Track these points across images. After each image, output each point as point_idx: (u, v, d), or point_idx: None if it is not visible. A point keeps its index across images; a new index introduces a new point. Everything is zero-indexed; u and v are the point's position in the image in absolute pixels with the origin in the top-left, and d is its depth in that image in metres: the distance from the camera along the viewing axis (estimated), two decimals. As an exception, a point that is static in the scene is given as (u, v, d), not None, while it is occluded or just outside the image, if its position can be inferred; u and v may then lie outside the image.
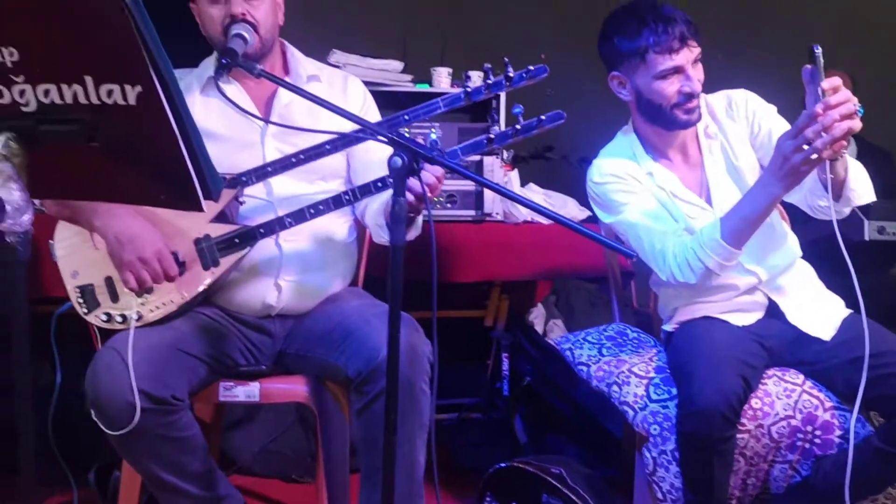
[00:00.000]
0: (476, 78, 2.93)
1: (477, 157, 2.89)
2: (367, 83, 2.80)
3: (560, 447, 2.86)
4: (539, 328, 3.83)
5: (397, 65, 2.91)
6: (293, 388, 1.92)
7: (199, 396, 1.85)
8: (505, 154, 3.02)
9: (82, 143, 1.20)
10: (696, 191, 2.00)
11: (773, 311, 1.96)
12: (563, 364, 2.29)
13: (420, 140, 2.92)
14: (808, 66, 1.59)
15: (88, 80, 1.15)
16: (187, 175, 1.21)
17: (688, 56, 1.87)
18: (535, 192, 3.02)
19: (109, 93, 1.15)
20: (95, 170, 1.26)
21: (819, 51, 1.59)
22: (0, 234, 1.22)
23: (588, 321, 4.11)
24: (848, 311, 1.96)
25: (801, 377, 1.89)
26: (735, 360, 1.76)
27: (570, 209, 3.02)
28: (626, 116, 2.09)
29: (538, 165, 3.58)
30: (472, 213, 2.88)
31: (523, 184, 3.04)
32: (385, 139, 1.51)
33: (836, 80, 1.59)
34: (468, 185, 2.88)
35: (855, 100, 1.59)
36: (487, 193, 2.89)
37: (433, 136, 2.92)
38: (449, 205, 2.83)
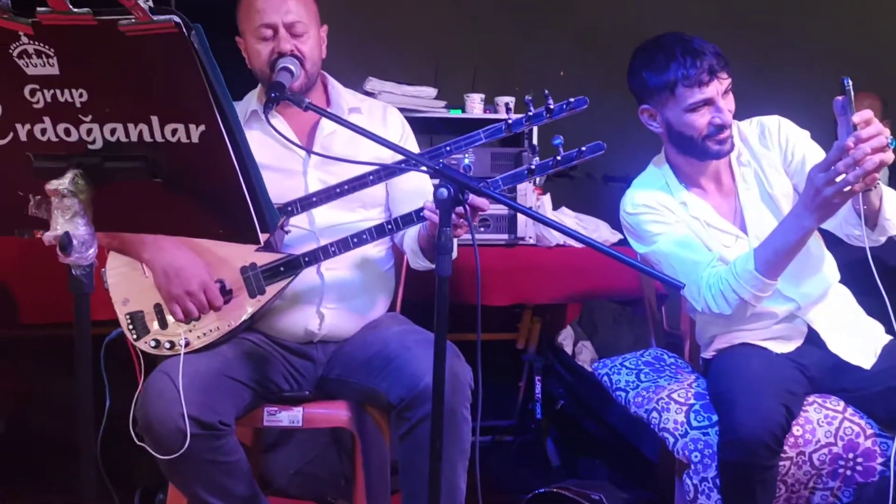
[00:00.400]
0: (504, 103, 3.02)
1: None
2: (401, 109, 2.86)
3: (593, 470, 2.87)
4: (568, 349, 3.84)
5: (431, 91, 2.96)
6: (335, 413, 1.95)
7: (243, 421, 1.88)
8: (537, 179, 3.05)
9: (145, 178, 1.25)
10: (730, 219, 2.01)
11: (812, 338, 1.96)
12: (597, 388, 2.31)
13: (453, 164, 2.97)
14: (839, 98, 1.60)
15: (154, 119, 1.20)
16: (246, 209, 1.25)
17: (717, 88, 1.87)
18: (567, 216, 3.05)
19: (174, 131, 1.20)
20: (157, 204, 1.30)
21: (849, 83, 1.59)
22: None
23: (613, 339, 4.11)
24: (888, 338, 1.96)
25: (842, 404, 1.89)
26: (777, 387, 1.76)
27: (602, 232, 3.04)
28: (650, 134, 2.10)
29: (568, 188, 3.61)
30: (506, 237, 2.91)
31: (555, 207, 3.07)
32: (431, 170, 1.55)
33: (868, 113, 1.59)
34: (501, 210, 2.92)
35: (887, 132, 1.59)
36: (520, 217, 2.93)
37: (466, 162, 2.98)
38: (482, 229, 2.86)
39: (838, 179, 1.61)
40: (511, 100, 3.04)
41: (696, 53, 1.85)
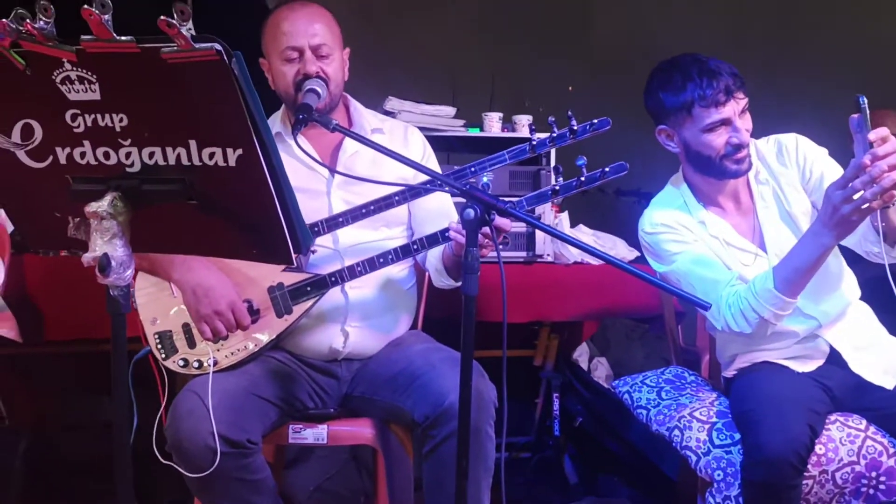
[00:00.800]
0: (524, 122, 3.05)
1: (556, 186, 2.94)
2: (420, 128, 2.90)
3: (612, 488, 2.87)
4: (584, 365, 3.85)
5: (449, 110, 2.98)
6: (359, 431, 1.97)
7: (269, 438, 1.90)
8: (558, 179, 3.06)
9: (182, 200, 1.28)
10: (749, 237, 2.02)
11: (834, 358, 1.96)
12: (616, 406, 2.31)
13: (472, 182, 2.99)
14: (855, 116, 1.61)
15: (192, 143, 1.22)
16: (280, 230, 1.28)
17: (734, 108, 1.88)
18: (584, 234, 3.06)
19: (211, 155, 1.23)
20: (192, 225, 1.33)
21: (864, 101, 1.60)
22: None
23: (626, 356, 4.12)
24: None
25: (864, 422, 1.89)
26: (801, 406, 1.77)
27: (619, 250, 3.06)
28: (661, 149, 2.11)
29: (581, 204, 3.63)
30: (524, 254, 2.92)
31: (573, 225, 3.08)
32: (458, 191, 1.57)
33: (884, 131, 1.60)
34: (519, 227, 2.93)
35: None
36: (538, 235, 2.94)
37: (485, 180, 3.00)
38: (501, 246, 2.87)
39: (856, 197, 1.61)
40: (529, 118, 3.07)
41: (712, 74, 1.86)
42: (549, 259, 2.95)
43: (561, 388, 3.09)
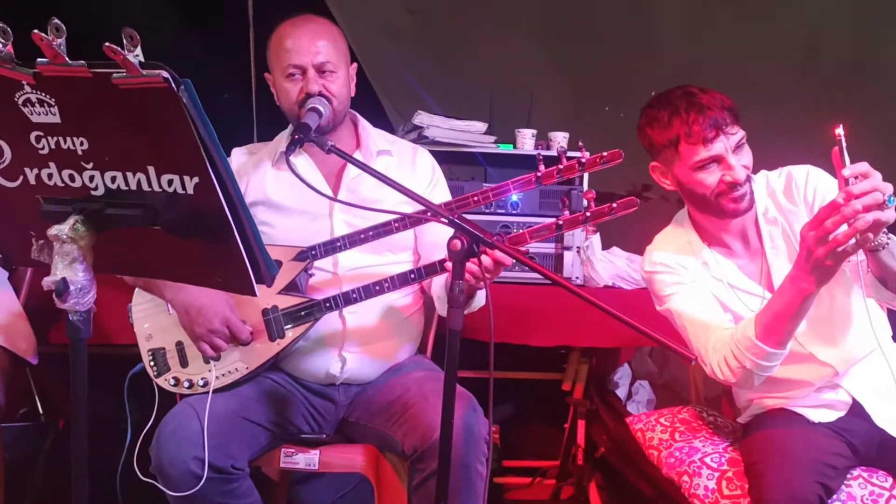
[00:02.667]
0: (559, 139, 2.96)
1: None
2: (449, 144, 2.86)
3: (635, 524, 2.75)
4: (623, 390, 3.72)
5: (480, 126, 2.92)
6: (351, 458, 1.92)
7: (259, 462, 1.87)
8: (564, 212, 2.96)
9: (145, 225, 1.25)
10: (756, 280, 1.87)
11: (857, 409, 1.81)
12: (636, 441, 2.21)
13: (502, 200, 2.92)
14: (836, 149, 1.46)
15: (151, 169, 1.20)
16: (240, 260, 1.24)
17: (725, 144, 1.73)
18: (617, 257, 2.95)
19: (170, 182, 1.20)
20: (158, 251, 1.31)
21: (841, 132, 1.45)
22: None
23: (683, 373, 3.97)
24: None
25: (891, 480, 1.75)
26: (813, 461, 1.64)
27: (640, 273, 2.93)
28: None
29: (624, 228, 3.52)
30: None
31: (605, 247, 2.97)
32: (446, 221, 1.50)
33: (862, 166, 1.44)
34: (548, 248, 2.85)
35: (887, 187, 1.43)
36: (567, 256, 2.85)
37: (514, 199, 2.94)
38: (528, 267, 2.80)
39: (829, 238, 1.46)
40: (565, 136, 2.98)
41: (700, 108, 1.72)
42: (579, 282, 2.86)
43: (587, 415, 2.99)
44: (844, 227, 1.44)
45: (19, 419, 3.03)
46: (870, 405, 1.79)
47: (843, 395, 1.83)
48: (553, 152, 2.96)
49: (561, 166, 1.74)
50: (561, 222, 1.71)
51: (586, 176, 2.84)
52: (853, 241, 1.45)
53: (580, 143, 1.76)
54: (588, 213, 1.68)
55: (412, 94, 3.72)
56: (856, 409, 1.81)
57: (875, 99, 3.69)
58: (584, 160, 1.72)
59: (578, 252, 2.85)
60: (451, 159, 2.92)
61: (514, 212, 2.85)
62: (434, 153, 2.86)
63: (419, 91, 3.53)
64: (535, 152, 2.95)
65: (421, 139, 2.85)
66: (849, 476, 1.74)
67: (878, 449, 1.78)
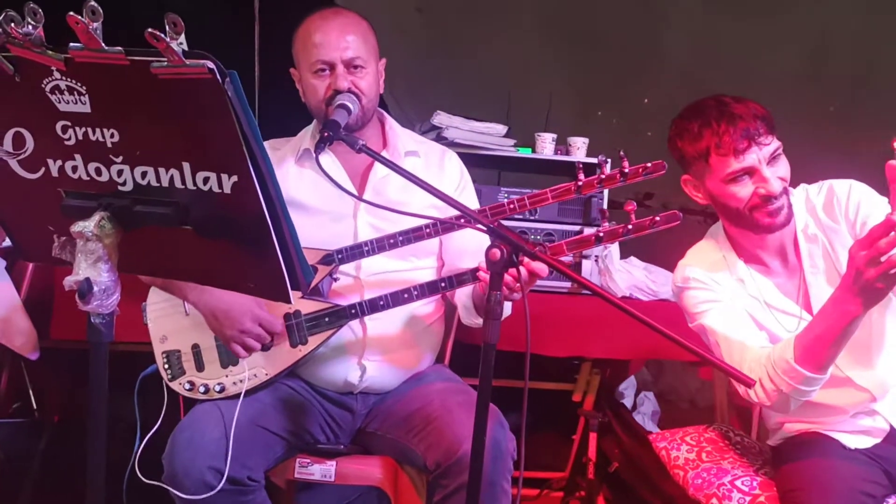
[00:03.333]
0: (578, 144, 2.89)
1: (576, 228, 2.79)
2: (469, 146, 2.78)
3: (645, 541, 2.69)
4: (629, 400, 3.67)
5: (500, 128, 2.85)
6: (368, 471, 1.85)
7: (274, 472, 1.80)
8: (603, 224, 2.90)
9: (175, 225, 1.18)
10: (794, 299, 1.80)
11: (894, 437, 1.75)
12: (656, 457, 2.15)
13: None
14: (892, 162, 1.37)
15: (186, 166, 1.13)
16: (277, 266, 1.17)
17: (759, 155, 1.66)
18: (635, 267, 2.88)
19: (206, 180, 1.13)
20: (186, 252, 1.23)
21: None
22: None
23: (676, 381, 3.92)
24: None
25: (929, 510, 1.69)
26: (852, 490, 1.57)
27: (671, 287, 2.87)
28: None
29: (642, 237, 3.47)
30: (567, 284, 2.77)
31: (623, 256, 2.91)
32: (485, 229, 1.43)
33: None
34: (566, 256, 2.78)
35: None
36: (584, 265, 2.79)
37: (533, 204, 2.87)
38: (569, 278, 2.73)
39: (883, 259, 1.38)
40: (585, 140, 2.92)
41: (731, 118, 1.64)
42: (596, 291, 2.79)
43: (599, 428, 2.92)
44: None
45: (11, 415, 2.95)
46: (908, 434, 1.73)
47: (880, 422, 1.76)
48: (573, 158, 2.90)
49: (602, 176, 1.67)
50: (601, 234, 1.64)
51: (605, 196, 2.79)
52: None
53: (621, 153, 1.68)
54: (630, 226, 1.61)
55: (417, 93, 3.65)
56: (892, 437, 1.75)
57: (880, 107, 3.66)
58: (626, 170, 1.65)
59: (596, 261, 2.79)
60: (465, 161, 2.85)
61: (532, 218, 2.78)
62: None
63: (428, 91, 3.47)
64: (555, 157, 2.89)
65: (439, 140, 2.78)
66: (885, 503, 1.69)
67: (916, 478, 1.72)
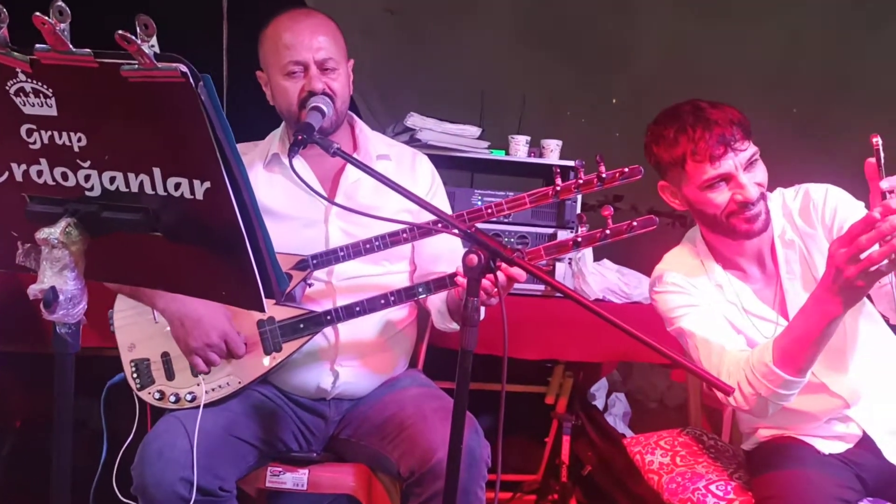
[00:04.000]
0: (552, 147, 2.89)
1: (550, 230, 2.79)
2: (442, 148, 2.76)
3: (618, 544, 2.69)
4: (600, 401, 3.68)
5: (474, 130, 2.83)
6: (341, 478, 1.83)
7: (245, 481, 1.76)
8: (580, 228, 2.90)
9: (145, 231, 1.14)
10: (771, 305, 1.80)
11: (866, 443, 1.75)
12: (629, 462, 2.15)
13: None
14: (871, 160, 1.36)
15: (157, 171, 1.10)
16: (251, 274, 1.14)
17: (735, 161, 1.65)
18: (608, 269, 2.88)
19: (177, 185, 1.10)
20: (156, 259, 1.20)
21: (879, 142, 1.36)
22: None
23: (644, 382, 3.94)
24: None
25: (900, 512, 1.71)
26: (829, 497, 1.58)
27: (643, 289, 2.87)
28: None
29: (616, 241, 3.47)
30: (541, 287, 2.76)
31: (597, 259, 2.91)
32: (461, 234, 1.41)
33: None
34: (553, 257, 2.78)
35: None
36: (558, 268, 2.79)
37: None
38: (548, 284, 2.72)
39: (862, 256, 1.37)
40: (558, 143, 2.91)
41: (707, 124, 1.63)
42: (569, 294, 2.79)
43: (572, 431, 2.92)
44: (878, 245, 1.34)
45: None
46: (879, 439, 1.73)
47: (853, 429, 1.76)
48: (547, 160, 2.89)
49: (580, 181, 1.66)
50: (579, 240, 1.63)
51: (579, 201, 2.79)
52: (888, 260, 1.35)
53: (598, 157, 1.67)
54: (608, 231, 1.60)
55: (389, 96, 3.63)
56: (865, 443, 1.75)
57: (848, 114, 3.71)
58: (604, 175, 1.64)
59: (570, 264, 2.79)
60: (438, 164, 2.83)
61: (505, 221, 2.77)
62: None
63: (399, 93, 3.45)
64: (528, 160, 2.88)
65: (412, 141, 2.76)
66: (858, 508, 1.70)
67: (886, 482, 1.73)
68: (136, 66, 0.98)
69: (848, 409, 1.76)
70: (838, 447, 1.76)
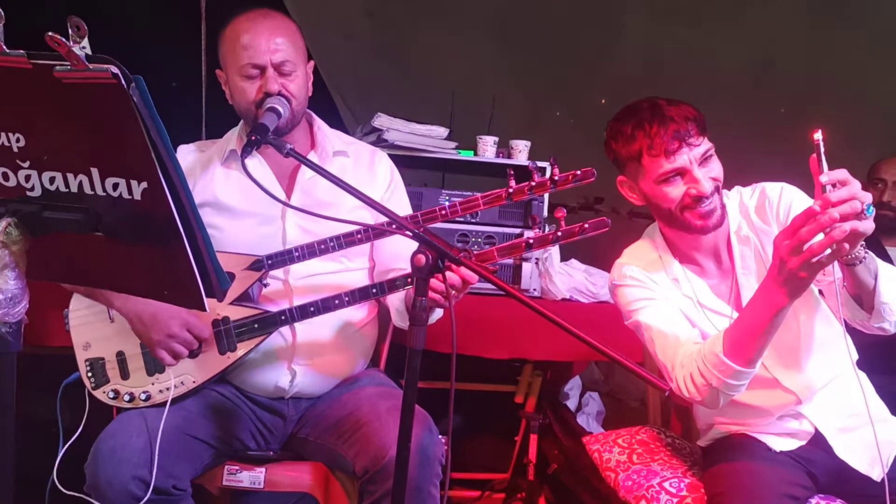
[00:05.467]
0: (520, 147, 2.90)
1: (517, 230, 2.80)
2: (409, 149, 2.78)
3: (585, 542, 2.71)
4: (574, 401, 3.70)
5: (442, 131, 2.84)
6: (298, 477, 1.84)
7: (201, 479, 1.77)
8: (546, 228, 2.92)
9: (86, 231, 1.15)
10: (726, 300, 1.83)
11: (818, 440, 1.78)
12: (591, 460, 2.17)
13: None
14: (814, 156, 1.40)
15: (95, 171, 1.10)
16: (190, 273, 1.15)
17: (689, 156, 1.68)
18: (575, 269, 2.91)
19: (115, 185, 1.10)
20: (99, 258, 1.21)
21: (820, 137, 1.39)
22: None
23: (625, 380, 3.96)
24: (904, 441, 1.79)
25: (848, 509, 1.73)
26: (778, 494, 1.60)
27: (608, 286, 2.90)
28: None
29: (583, 240, 3.48)
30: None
31: (564, 259, 2.93)
32: (411, 235, 1.43)
33: (841, 173, 1.39)
34: (507, 259, 2.79)
35: (866, 196, 1.38)
36: (525, 267, 2.80)
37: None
38: (495, 285, 2.73)
39: (805, 248, 1.40)
40: (527, 144, 2.93)
41: (663, 120, 1.67)
42: (536, 294, 2.81)
43: (540, 429, 2.93)
44: (820, 237, 1.38)
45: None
46: (831, 436, 1.76)
47: (805, 425, 1.79)
48: (515, 161, 2.91)
49: (533, 183, 1.68)
50: (531, 241, 1.65)
51: (546, 205, 2.81)
52: (829, 251, 1.39)
53: (552, 159, 1.70)
54: (559, 233, 1.62)
55: (367, 96, 3.64)
56: (816, 439, 1.78)
57: (823, 112, 3.74)
58: (556, 178, 1.66)
59: (537, 264, 2.80)
60: (409, 164, 2.85)
61: (472, 220, 2.79)
62: (392, 157, 2.79)
63: (377, 93, 3.46)
64: (496, 160, 2.90)
65: (380, 142, 2.77)
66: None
67: (837, 480, 1.76)
68: (69, 67, 0.99)
69: (800, 405, 1.78)
70: (791, 444, 1.79)
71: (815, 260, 1.41)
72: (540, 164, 2.82)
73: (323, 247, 1.75)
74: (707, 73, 3.78)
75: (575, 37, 3.87)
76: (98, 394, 1.74)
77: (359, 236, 1.75)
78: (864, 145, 3.45)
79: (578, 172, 1.67)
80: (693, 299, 1.81)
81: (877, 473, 1.71)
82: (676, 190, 1.71)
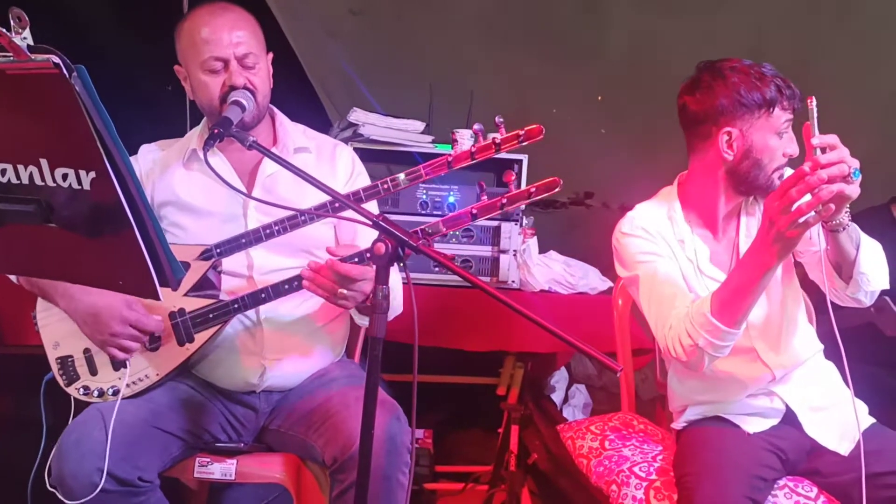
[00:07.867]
0: (498, 140, 2.91)
1: (495, 223, 2.81)
2: (386, 143, 2.79)
3: (566, 531, 2.72)
4: (560, 393, 3.70)
5: (418, 125, 2.85)
6: (269, 468, 1.84)
7: (173, 472, 1.78)
8: (525, 220, 2.93)
9: (38, 223, 1.16)
10: (725, 270, 1.85)
11: (789, 418, 1.81)
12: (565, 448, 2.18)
13: (438, 202, 2.86)
14: (808, 122, 1.45)
15: (44, 162, 1.11)
16: (142, 262, 1.16)
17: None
18: (554, 261, 2.92)
19: (64, 176, 1.12)
20: (53, 250, 1.22)
21: (814, 102, 1.45)
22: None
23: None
24: (871, 420, 1.81)
25: (815, 490, 1.75)
26: (744, 475, 1.62)
27: (590, 279, 2.92)
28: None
29: (566, 225, 3.50)
30: (487, 279, 2.79)
31: (542, 251, 2.94)
32: (370, 223, 1.43)
33: (831, 138, 1.44)
34: (485, 251, 2.81)
35: (853, 162, 1.43)
36: (503, 259, 2.81)
37: (451, 200, 2.88)
38: (450, 270, 2.74)
39: (793, 208, 1.45)
40: (498, 137, 2.93)
41: (783, 79, 1.73)
42: (515, 286, 2.82)
43: (521, 420, 2.95)
44: (808, 197, 1.43)
45: None
46: (802, 414, 1.79)
47: (777, 403, 1.82)
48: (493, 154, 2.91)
49: (473, 148, 1.66)
50: (475, 211, 1.64)
51: (524, 181, 2.82)
52: (815, 212, 1.43)
53: (499, 120, 1.63)
54: (504, 200, 1.61)
55: (352, 93, 3.64)
56: (788, 418, 1.81)
57: (821, 102, 3.73)
58: (498, 140, 1.64)
59: (515, 255, 2.81)
60: (385, 158, 2.85)
61: (451, 213, 2.79)
62: (370, 152, 2.80)
63: (361, 89, 3.46)
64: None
65: (356, 137, 2.78)
66: (775, 486, 1.74)
67: (807, 458, 1.78)
68: (11, 58, 1.00)
69: (773, 382, 1.82)
70: (763, 424, 1.82)
71: (802, 220, 1.45)
72: (515, 157, 2.83)
73: (268, 231, 1.74)
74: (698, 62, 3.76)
75: (563, 31, 3.87)
76: (71, 391, 1.75)
77: (302, 219, 1.74)
78: (856, 136, 3.45)
79: (522, 132, 1.61)
80: (694, 263, 1.84)
81: (844, 448, 1.74)
82: (782, 147, 1.74)
